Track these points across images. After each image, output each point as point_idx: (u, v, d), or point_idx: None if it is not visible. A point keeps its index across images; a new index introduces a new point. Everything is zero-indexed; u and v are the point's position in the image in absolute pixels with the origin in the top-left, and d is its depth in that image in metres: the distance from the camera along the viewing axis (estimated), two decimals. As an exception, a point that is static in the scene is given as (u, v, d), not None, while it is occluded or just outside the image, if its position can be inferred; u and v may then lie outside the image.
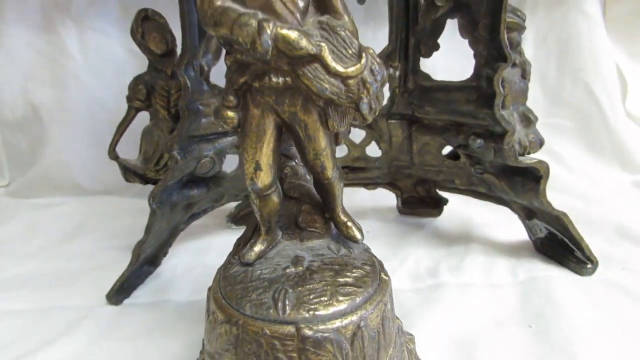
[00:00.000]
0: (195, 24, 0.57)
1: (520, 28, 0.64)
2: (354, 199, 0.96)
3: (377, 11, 0.69)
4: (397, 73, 0.68)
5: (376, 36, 0.87)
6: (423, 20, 0.65)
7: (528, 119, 0.67)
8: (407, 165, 0.78)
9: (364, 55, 0.34)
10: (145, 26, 0.63)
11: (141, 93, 0.65)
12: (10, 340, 0.58)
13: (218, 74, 0.65)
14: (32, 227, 0.91)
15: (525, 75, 0.65)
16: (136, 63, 1.03)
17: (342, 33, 0.35)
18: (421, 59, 0.69)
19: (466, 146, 0.69)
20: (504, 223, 0.83)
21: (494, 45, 0.59)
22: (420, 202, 0.90)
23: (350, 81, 0.34)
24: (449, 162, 0.74)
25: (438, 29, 0.65)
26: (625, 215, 0.86)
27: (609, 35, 1.06)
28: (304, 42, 0.33)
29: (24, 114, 1.03)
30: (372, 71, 0.35)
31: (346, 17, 0.36)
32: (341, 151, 0.79)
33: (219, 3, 0.33)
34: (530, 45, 1.05)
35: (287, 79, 0.35)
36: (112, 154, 0.68)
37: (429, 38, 0.66)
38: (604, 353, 0.53)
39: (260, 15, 0.33)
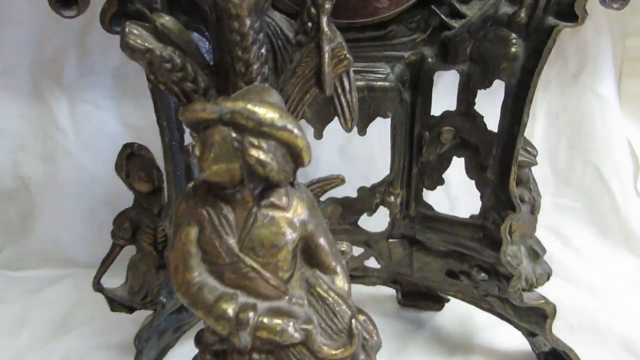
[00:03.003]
0: (184, 175, 0.54)
1: (531, 164, 0.60)
2: (353, 288, 0.93)
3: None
4: (398, 200, 0.64)
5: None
6: (427, 152, 0.61)
7: (536, 253, 0.64)
8: (408, 275, 0.75)
9: (355, 332, 0.31)
10: (130, 164, 0.60)
11: (126, 232, 0.62)
12: None
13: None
14: (23, 314, 0.89)
15: (534, 211, 0.62)
16: (130, 135, 1.01)
17: (331, 300, 0.31)
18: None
19: (469, 275, 0.66)
20: (506, 326, 0.80)
21: (503, 192, 0.56)
22: (421, 295, 0.87)
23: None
24: (451, 280, 0.71)
25: (443, 164, 0.61)
26: (632, 320, 0.83)
27: (622, 110, 1.02)
28: (288, 333, 0.30)
29: (12, 186, 1.01)
30: (363, 347, 0.31)
31: (339, 273, 0.33)
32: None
33: (195, 276, 0.30)
34: (541, 123, 1.01)
35: (270, 356, 0.31)
36: (97, 287, 0.65)
37: (433, 171, 0.62)
38: None
39: (240, 297, 0.30)
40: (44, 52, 0.97)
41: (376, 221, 0.70)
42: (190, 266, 0.31)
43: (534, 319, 0.64)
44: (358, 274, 0.77)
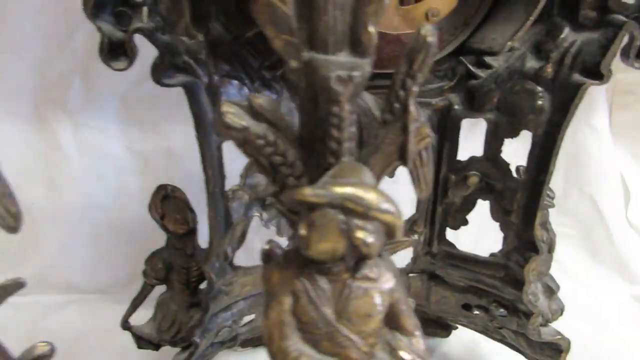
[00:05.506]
0: (223, 219, 0.54)
1: (550, 207, 0.63)
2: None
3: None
4: (422, 238, 0.66)
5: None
6: (452, 194, 0.63)
7: (550, 290, 0.66)
8: (424, 307, 0.77)
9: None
10: (166, 207, 0.60)
11: (160, 272, 0.62)
12: None
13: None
14: (27, 342, 0.86)
15: (550, 250, 0.65)
16: (137, 162, 1.00)
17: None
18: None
19: (487, 309, 0.68)
20: (510, 352, 0.82)
21: (526, 235, 0.58)
22: (429, 322, 0.89)
23: None
24: (466, 312, 0.73)
25: (468, 206, 0.64)
26: (625, 348, 0.86)
27: (614, 141, 1.07)
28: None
29: (14, 211, 0.98)
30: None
31: (417, 335, 0.35)
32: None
33: (290, 344, 0.31)
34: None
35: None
36: (125, 325, 0.65)
37: (458, 212, 0.64)
38: None
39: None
40: (47, 77, 0.95)
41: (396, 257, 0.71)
42: (286, 335, 0.32)
43: (548, 352, 0.67)
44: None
